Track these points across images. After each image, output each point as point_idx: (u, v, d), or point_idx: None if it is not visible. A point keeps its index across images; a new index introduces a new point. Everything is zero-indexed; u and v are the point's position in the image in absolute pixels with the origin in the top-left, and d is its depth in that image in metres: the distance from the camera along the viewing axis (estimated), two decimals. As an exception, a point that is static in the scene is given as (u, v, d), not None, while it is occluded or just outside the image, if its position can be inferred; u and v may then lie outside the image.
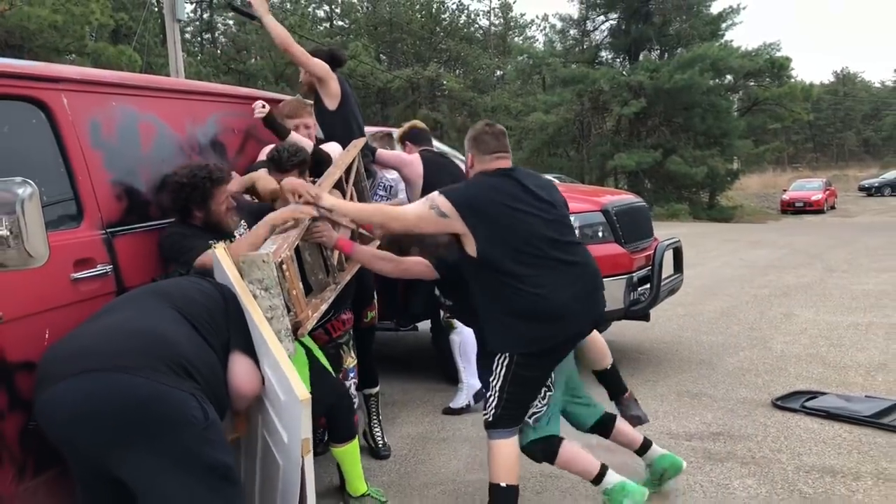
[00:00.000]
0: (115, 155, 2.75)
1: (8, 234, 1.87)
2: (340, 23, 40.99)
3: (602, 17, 30.76)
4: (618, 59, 30.76)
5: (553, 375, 2.99)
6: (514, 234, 2.73)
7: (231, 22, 36.39)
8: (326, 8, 41.23)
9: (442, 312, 4.50)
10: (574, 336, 2.92)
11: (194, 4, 36.71)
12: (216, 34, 38.83)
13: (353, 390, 3.59)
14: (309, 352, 3.00)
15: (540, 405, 2.95)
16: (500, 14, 42.25)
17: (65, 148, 2.52)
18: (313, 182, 3.45)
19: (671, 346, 6.14)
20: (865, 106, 66.35)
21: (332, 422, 3.12)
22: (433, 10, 38.15)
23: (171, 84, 3.41)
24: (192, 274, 2.64)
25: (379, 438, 3.94)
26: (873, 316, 6.96)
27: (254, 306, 2.46)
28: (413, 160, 4.34)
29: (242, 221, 3.07)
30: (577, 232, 3.75)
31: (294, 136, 3.58)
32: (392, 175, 4.57)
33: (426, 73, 34.06)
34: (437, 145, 5.26)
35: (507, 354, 2.79)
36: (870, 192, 36.48)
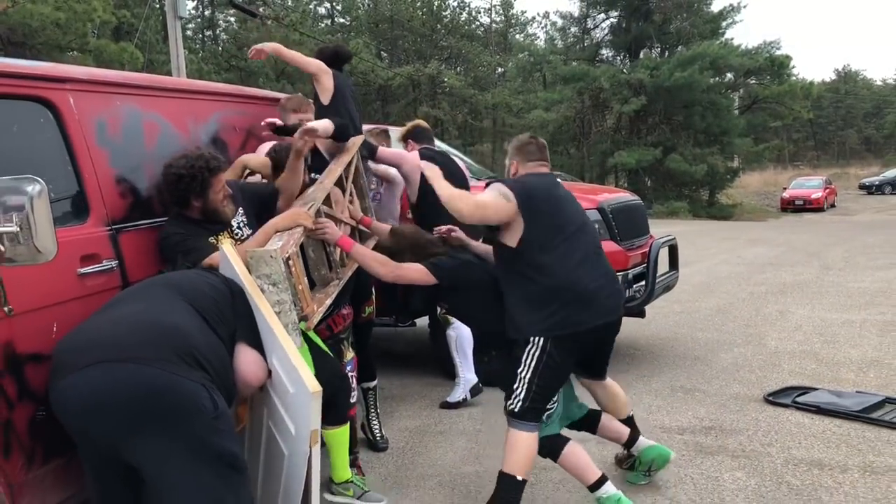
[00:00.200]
0: (120, 153, 2.82)
1: (18, 230, 1.95)
2: (342, 20, 41.02)
3: (603, 15, 30.78)
4: (618, 57, 30.78)
5: None
6: (556, 224, 2.97)
7: (232, 19, 36.43)
8: (328, 5, 41.28)
9: (439, 309, 4.58)
10: (600, 328, 3.02)
11: (196, 1, 36.80)
12: (217, 31, 38.89)
13: (353, 384, 3.65)
14: (307, 337, 3.07)
15: (551, 403, 3.03)
16: (500, 11, 42.26)
17: (71, 146, 2.59)
18: (312, 179, 3.54)
19: (667, 342, 6.21)
20: (867, 104, 66.27)
21: (328, 404, 3.17)
22: (434, 8, 38.13)
23: (175, 84, 3.48)
24: (199, 267, 2.71)
25: (377, 431, 4.01)
26: (868, 313, 7.03)
27: (262, 301, 2.54)
28: (412, 158, 4.41)
29: (240, 209, 3.11)
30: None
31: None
32: (391, 171, 4.60)
33: (427, 70, 34.07)
34: (439, 144, 5.32)
35: (539, 341, 2.89)
36: (870, 190, 36.49)
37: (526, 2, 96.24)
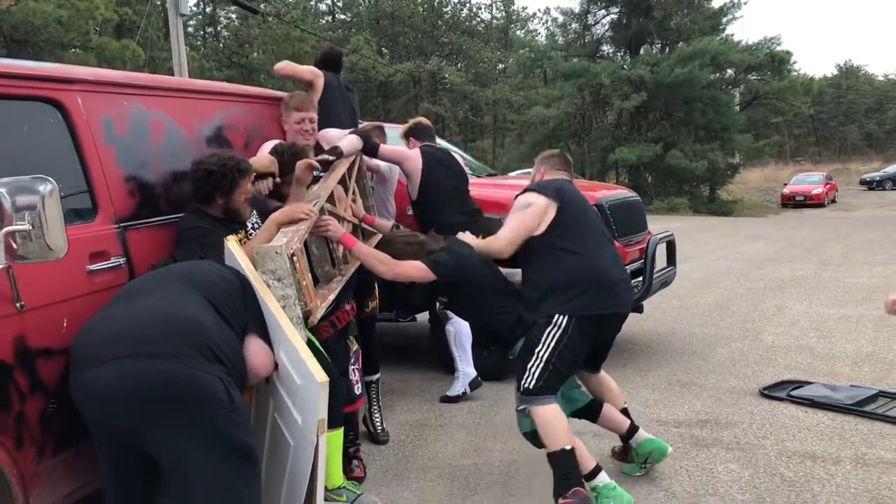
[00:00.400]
0: (127, 152, 2.88)
1: (30, 228, 2.02)
2: (342, 16, 41.04)
3: (603, 11, 30.80)
4: (619, 53, 30.82)
5: None
6: (582, 217, 3.21)
7: (234, 16, 36.44)
8: (328, 1, 41.29)
9: (438, 304, 4.64)
10: (616, 317, 3.18)
11: (197, -2, 36.78)
12: (219, 28, 38.90)
13: (356, 377, 3.71)
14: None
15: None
16: (501, 7, 42.26)
17: (80, 146, 2.65)
18: (318, 176, 3.61)
19: (664, 337, 6.28)
20: (868, 99, 66.18)
21: None
22: (435, 4, 38.12)
23: (179, 83, 3.55)
24: (210, 257, 2.78)
25: (378, 424, 4.08)
26: (864, 308, 7.09)
27: (268, 295, 2.61)
28: (413, 155, 4.46)
29: (254, 211, 3.22)
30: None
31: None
32: (381, 165, 4.65)
33: (428, 66, 34.09)
34: (439, 141, 5.38)
35: (562, 322, 3.00)
36: (871, 186, 36.49)
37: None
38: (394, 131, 4.94)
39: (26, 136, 2.52)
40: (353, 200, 3.85)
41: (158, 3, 24.91)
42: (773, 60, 27.43)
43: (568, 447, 2.98)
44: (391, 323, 5.62)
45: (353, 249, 3.25)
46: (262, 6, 31.08)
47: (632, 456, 3.49)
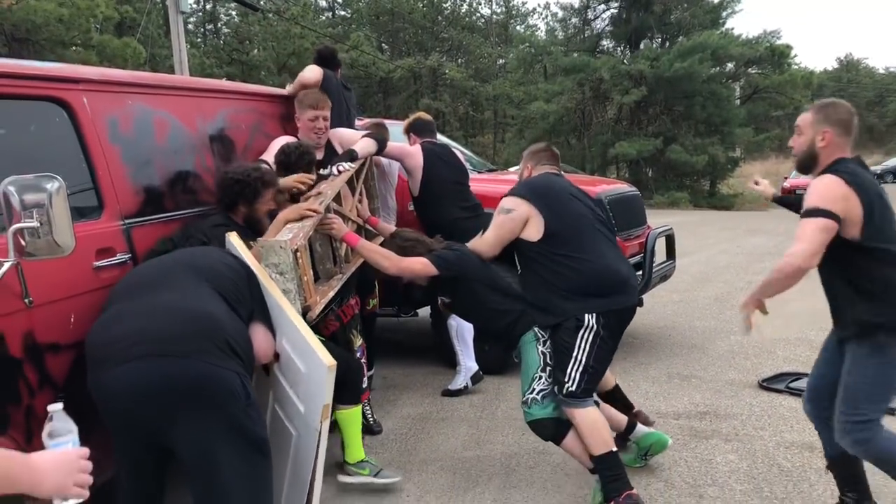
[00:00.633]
0: (132, 151, 2.92)
1: (38, 225, 2.06)
2: (342, 13, 40.97)
3: (603, 6, 30.70)
4: (619, 48, 30.73)
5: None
6: (573, 215, 3.16)
7: (234, 13, 36.42)
8: (328, -3, 41.24)
9: (440, 299, 4.68)
10: (632, 308, 3.22)
11: (196, -5, 36.76)
12: (219, 25, 38.86)
13: (363, 371, 3.77)
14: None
15: (547, 382, 3.13)
16: (501, 3, 42.16)
17: (86, 144, 2.69)
18: (319, 176, 3.65)
19: (665, 330, 6.32)
20: (869, 92, 65.96)
21: (342, 383, 3.19)
22: (434, 0, 38.10)
23: (183, 82, 3.59)
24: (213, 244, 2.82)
25: (370, 415, 4.15)
26: (863, 301, 7.11)
27: (272, 285, 2.67)
28: (414, 151, 4.50)
29: None
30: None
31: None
32: (382, 160, 4.69)
33: (428, 62, 34.05)
34: (440, 137, 5.41)
35: (592, 323, 3.04)
36: (872, 179, 36.42)
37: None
38: (394, 128, 4.99)
39: (33, 135, 2.56)
40: (360, 201, 3.91)
41: (158, 0, 24.97)
42: (773, 54, 27.36)
43: (614, 449, 3.03)
44: (393, 318, 5.66)
45: (356, 247, 3.30)
46: (261, 3, 31.11)
47: (630, 447, 3.53)
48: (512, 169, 7.93)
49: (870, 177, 2.64)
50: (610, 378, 3.63)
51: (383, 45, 39.14)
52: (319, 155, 3.86)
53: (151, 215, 2.96)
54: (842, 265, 2.62)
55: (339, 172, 3.54)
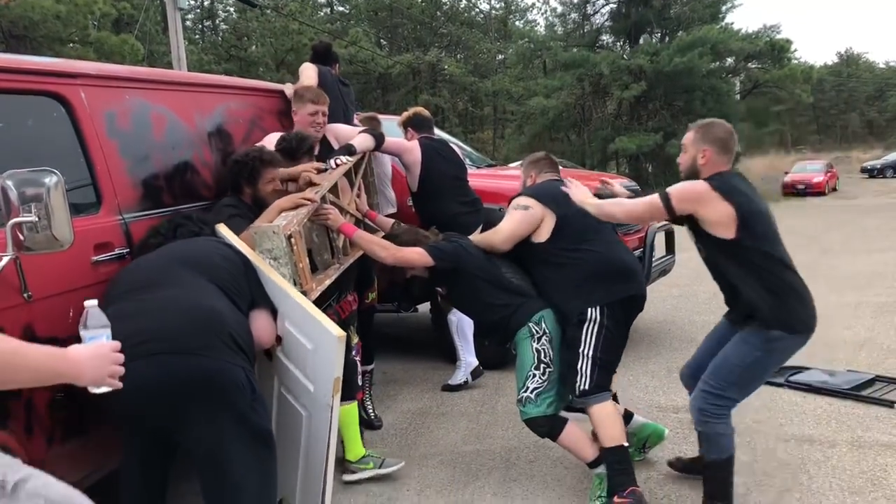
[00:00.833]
0: (130, 146, 2.92)
1: (36, 220, 2.06)
2: (341, 8, 40.86)
3: (602, 1, 30.68)
4: (618, 43, 30.70)
5: (551, 352, 3.16)
6: (579, 214, 3.19)
7: (232, 9, 36.37)
8: (327, -7, 41.15)
9: (439, 294, 4.68)
10: (639, 298, 3.30)
11: (195, -9, 36.69)
12: (217, 21, 38.81)
13: (357, 368, 3.78)
14: None
15: (541, 380, 3.13)
16: (500, -2, 42.09)
17: (83, 139, 2.69)
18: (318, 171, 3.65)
19: (664, 325, 6.32)
20: (869, 87, 65.93)
21: None
22: (434, -5, 38.02)
23: (180, 77, 3.59)
24: (207, 233, 2.83)
25: (370, 410, 4.17)
26: (863, 295, 7.13)
27: (269, 269, 2.70)
28: (412, 147, 4.49)
29: None
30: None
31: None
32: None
33: (427, 58, 33.98)
34: (439, 133, 5.41)
35: (595, 316, 3.09)
36: (872, 173, 36.35)
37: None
38: (390, 123, 4.98)
39: (31, 129, 2.56)
40: (358, 196, 3.90)
41: (156, -4, 24.93)
42: (773, 49, 27.36)
43: (626, 443, 3.05)
44: (393, 314, 5.66)
45: (353, 237, 3.30)
46: (260, -1, 31.06)
47: (631, 441, 3.53)
48: (512, 165, 7.92)
49: (745, 186, 2.91)
50: None
51: (382, 40, 39.05)
52: (315, 150, 3.85)
53: (149, 210, 2.96)
54: (731, 260, 2.84)
55: (337, 166, 3.53)
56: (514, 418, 4.07)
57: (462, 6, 39.86)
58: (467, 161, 5.29)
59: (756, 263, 2.78)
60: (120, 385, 1.69)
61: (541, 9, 58.72)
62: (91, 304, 1.75)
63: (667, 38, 28.79)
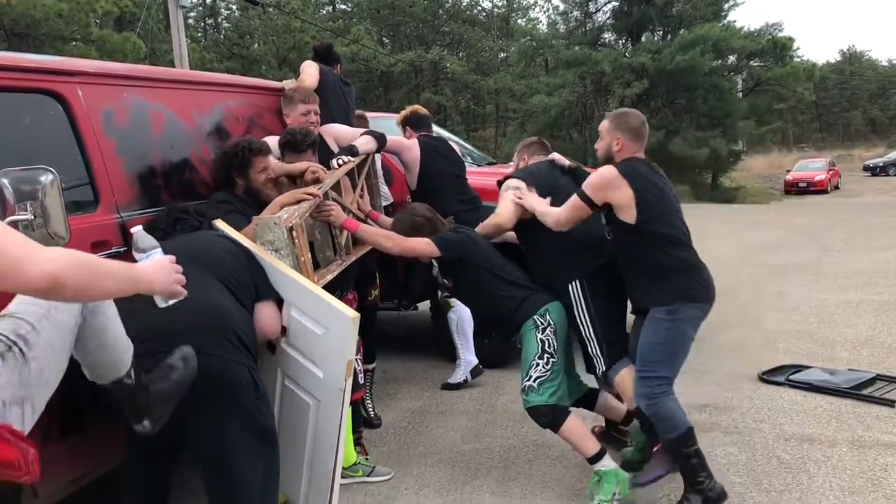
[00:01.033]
0: (127, 144, 2.91)
1: (32, 217, 2.05)
2: (343, 6, 40.88)
3: (604, -1, 30.64)
4: (620, 41, 30.64)
5: (555, 343, 3.16)
6: (563, 191, 3.24)
7: (234, 7, 36.37)
8: (329, -9, 41.14)
9: (440, 292, 4.68)
10: (610, 265, 3.28)
11: (197, -11, 36.71)
12: (219, 19, 38.83)
13: (358, 367, 3.75)
14: None
15: (544, 369, 3.13)
16: (502, -4, 42.04)
17: (81, 137, 2.69)
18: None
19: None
20: (872, 85, 65.82)
21: None
22: (435, -7, 37.97)
23: (179, 75, 3.59)
24: (206, 226, 2.82)
25: (370, 409, 4.16)
26: (864, 294, 7.12)
27: (272, 258, 2.70)
28: (411, 145, 4.48)
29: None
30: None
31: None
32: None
33: (429, 56, 33.96)
34: (438, 131, 5.40)
35: (576, 287, 3.21)
36: (874, 171, 36.33)
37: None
38: (389, 122, 4.97)
39: (28, 127, 2.55)
40: (361, 196, 3.90)
41: (158, -5, 24.92)
42: (775, 46, 27.26)
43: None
44: (393, 312, 5.66)
45: (357, 231, 3.32)
46: (262, -3, 31.04)
47: (630, 435, 3.52)
48: (513, 163, 7.92)
49: (648, 172, 3.03)
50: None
51: (384, 38, 39.05)
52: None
53: (147, 208, 2.95)
54: (632, 245, 3.00)
55: (340, 165, 3.53)
56: (514, 417, 4.07)
57: (464, 4, 39.83)
58: (468, 159, 5.28)
59: (652, 244, 2.95)
60: (185, 293, 1.80)
61: (543, 7, 58.63)
62: (137, 229, 1.85)
63: (669, 36, 28.72)
